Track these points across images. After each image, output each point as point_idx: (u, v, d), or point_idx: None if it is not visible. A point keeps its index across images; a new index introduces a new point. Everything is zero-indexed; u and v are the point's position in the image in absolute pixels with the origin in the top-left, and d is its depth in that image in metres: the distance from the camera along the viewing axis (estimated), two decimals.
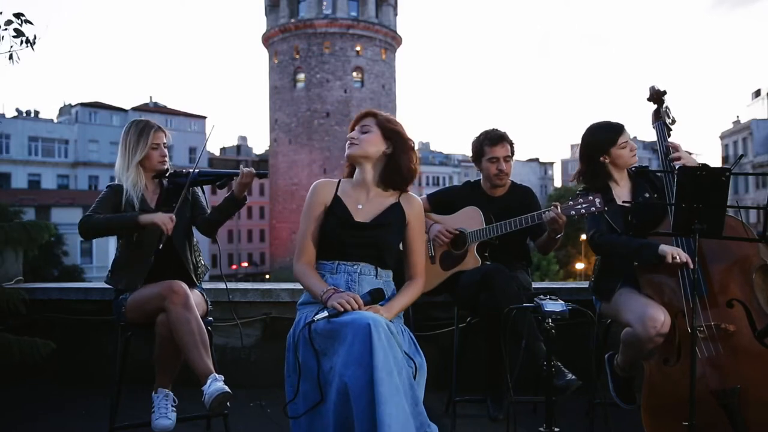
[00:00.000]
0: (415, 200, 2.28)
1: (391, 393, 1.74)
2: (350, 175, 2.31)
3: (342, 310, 1.92)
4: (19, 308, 3.52)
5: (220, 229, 2.79)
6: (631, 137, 2.72)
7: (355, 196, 2.22)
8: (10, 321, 3.54)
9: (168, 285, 2.45)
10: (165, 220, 2.49)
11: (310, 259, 2.19)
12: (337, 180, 2.29)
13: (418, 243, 2.26)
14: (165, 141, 2.76)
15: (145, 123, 2.73)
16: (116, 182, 2.68)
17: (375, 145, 2.19)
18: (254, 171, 2.63)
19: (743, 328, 2.31)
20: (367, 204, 2.21)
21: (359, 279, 2.14)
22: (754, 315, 2.32)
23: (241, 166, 2.68)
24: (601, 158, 2.67)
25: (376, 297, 2.04)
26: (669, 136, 2.73)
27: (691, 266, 2.24)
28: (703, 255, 2.40)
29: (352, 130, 2.25)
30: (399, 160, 2.20)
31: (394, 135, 2.21)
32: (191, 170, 2.69)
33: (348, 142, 2.22)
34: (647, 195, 2.62)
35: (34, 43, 2.87)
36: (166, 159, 2.76)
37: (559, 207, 2.62)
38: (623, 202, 2.57)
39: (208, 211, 2.77)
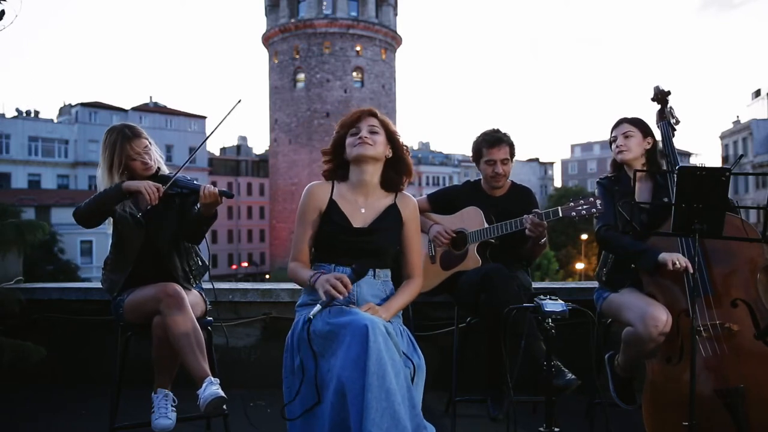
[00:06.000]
0: (410, 199, 2.29)
1: (379, 399, 1.74)
2: (332, 177, 2.25)
3: (332, 297, 1.92)
4: (14, 309, 3.51)
5: (208, 233, 2.71)
6: (623, 132, 2.72)
7: (353, 198, 2.20)
8: (7, 322, 3.53)
9: (162, 287, 2.44)
10: (151, 188, 2.42)
11: (305, 261, 2.21)
12: (330, 182, 2.24)
13: (414, 242, 2.27)
14: (146, 145, 2.61)
15: (117, 134, 2.58)
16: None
17: (384, 147, 2.20)
18: (217, 192, 2.47)
19: (747, 328, 2.31)
20: (366, 207, 2.20)
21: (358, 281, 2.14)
22: (758, 315, 2.32)
23: (203, 186, 2.50)
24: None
25: (359, 272, 2.01)
26: (673, 136, 2.73)
27: (691, 271, 2.25)
28: (708, 254, 2.41)
29: (352, 126, 2.21)
30: (402, 163, 2.25)
31: (394, 138, 2.24)
32: (174, 175, 2.58)
33: (359, 141, 2.15)
34: (666, 199, 2.59)
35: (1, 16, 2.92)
36: (150, 164, 2.62)
37: (561, 210, 2.63)
38: (638, 202, 2.56)
39: None
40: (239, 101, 2.50)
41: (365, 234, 2.15)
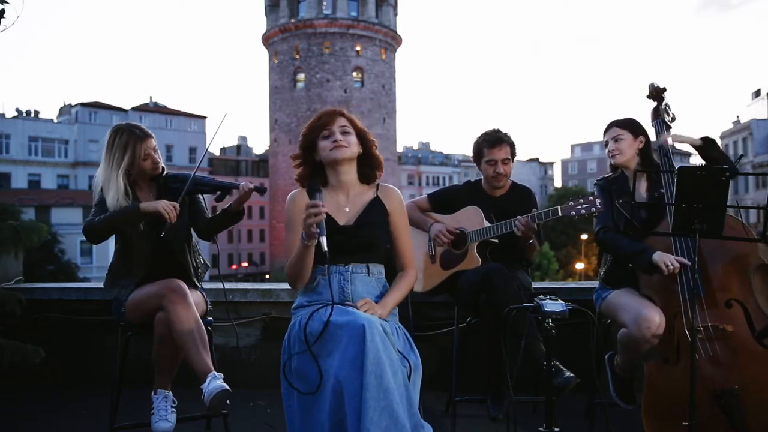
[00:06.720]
0: (392, 191, 2.28)
1: (377, 398, 1.74)
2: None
3: (319, 222, 1.89)
4: (14, 309, 3.51)
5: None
6: (613, 136, 2.74)
7: (335, 199, 2.19)
8: (7, 322, 3.53)
9: (166, 284, 2.45)
10: (168, 207, 2.45)
11: None
12: None
13: (403, 233, 2.26)
14: (154, 146, 2.64)
15: (128, 135, 2.58)
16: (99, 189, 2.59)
17: (356, 146, 2.20)
18: (253, 187, 2.61)
19: (741, 329, 2.31)
20: (349, 204, 2.20)
21: (352, 278, 2.13)
22: (752, 315, 2.32)
23: (242, 183, 2.65)
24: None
25: (314, 189, 1.97)
26: (668, 134, 2.72)
27: (688, 263, 2.28)
28: (701, 255, 2.40)
29: (323, 129, 2.18)
30: (373, 158, 2.25)
31: (363, 135, 2.24)
32: (188, 174, 2.62)
33: (334, 144, 2.14)
34: (662, 191, 2.60)
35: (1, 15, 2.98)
36: (159, 164, 2.66)
37: (560, 210, 2.65)
38: (637, 202, 2.57)
39: (208, 215, 2.74)
40: (225, 116, 2.73)
41: (353, 229, 2.15)
